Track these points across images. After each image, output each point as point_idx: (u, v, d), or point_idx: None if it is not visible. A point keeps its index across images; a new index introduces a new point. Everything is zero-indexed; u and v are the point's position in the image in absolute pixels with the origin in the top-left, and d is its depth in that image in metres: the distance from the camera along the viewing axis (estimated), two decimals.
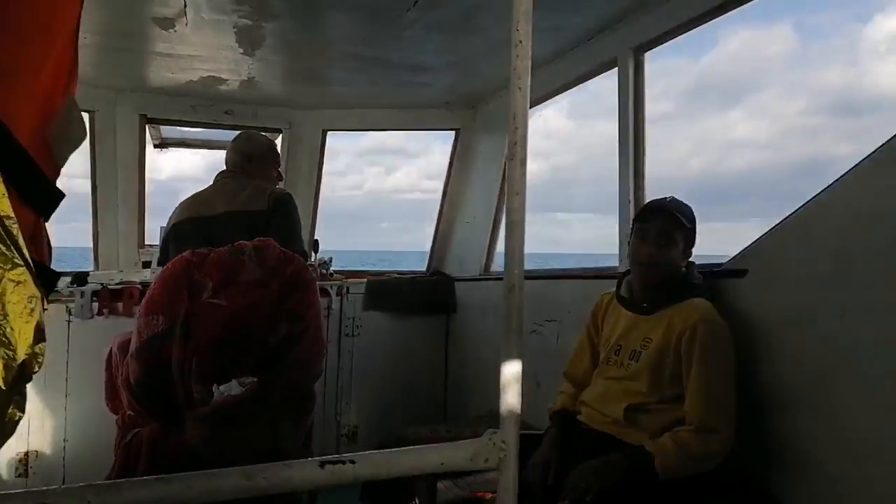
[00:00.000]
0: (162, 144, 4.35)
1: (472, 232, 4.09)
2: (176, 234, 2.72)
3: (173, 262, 2.44)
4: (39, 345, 1.04)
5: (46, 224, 1.23)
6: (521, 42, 1.07)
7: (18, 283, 1.00)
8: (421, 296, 4.19)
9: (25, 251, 1.02)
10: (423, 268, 4.59)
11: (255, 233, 2.51)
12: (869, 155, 1.67)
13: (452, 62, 3.10)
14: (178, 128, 4.15)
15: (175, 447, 2.24)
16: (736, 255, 2.10)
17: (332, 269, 4.24)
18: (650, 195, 2.68)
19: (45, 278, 1.16)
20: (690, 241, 2.08)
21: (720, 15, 2.31)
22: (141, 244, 3.95)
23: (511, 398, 1.11)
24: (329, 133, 4.14)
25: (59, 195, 1.21)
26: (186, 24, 2.59)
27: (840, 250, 1.75)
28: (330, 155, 4.25)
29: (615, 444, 1.96)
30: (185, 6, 2.42)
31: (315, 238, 4.25)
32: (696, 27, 2.42)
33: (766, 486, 1.93)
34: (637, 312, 2.10)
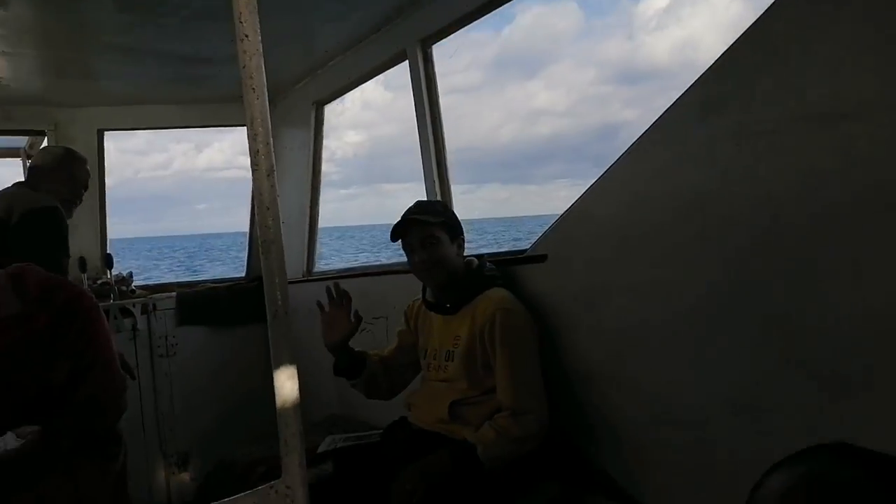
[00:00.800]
0: None
1: (289, 233, 3.86)
2: None
3: None
4: None
5: None
6: (247, 36, 0.93)
7: None
8: (242, 304, 3.89)
9: None
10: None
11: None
12: (635, 141, 1.77)
13: (233, 55, 2.85)
14: None
15: None
16: (535, 243, 2.16)
17: (132, 284, 3.81)
18: (459, 171, 2.69)
19: None
20: (454, 231, 2.12)
21: (503, 4, 2.32)
22: None
23: (291, 438, 0.99)
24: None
25: None
26: None
27: (621, 231, 1.84)
28: (124, 133, 3.82)
29: (442, 441, 1.97)
30: None
31: (108, 252, 3.76)
32: (480, 17, 2.43)
33: (592, 458, 2.01)
34: (443, 314, 2.13)
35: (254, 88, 0.92)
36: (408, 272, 3.06)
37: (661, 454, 1.79)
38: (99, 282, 3.61)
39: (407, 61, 2.73)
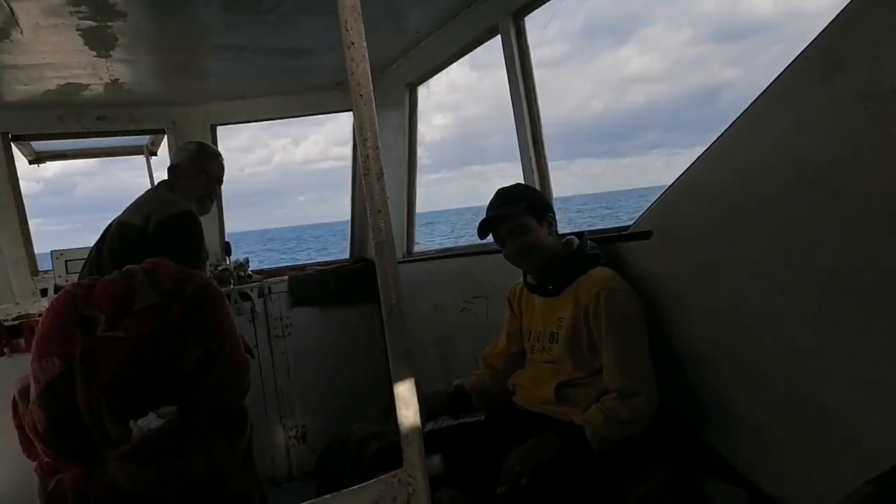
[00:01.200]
0: (37, 160, 4.01)
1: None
2: None
3: (57, 299, 2.26)
4: None
5: None
6: (353, 44, 0.95)
7: None
8: (347, 286, 4.06)
9: None
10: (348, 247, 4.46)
11: (128, 250, 2.41)
12: (748, 108, 1.65)
13: (333, 42, 2.92)
14: (51, 141, 3.81)
15: (103, 490, 2.11)
16: (638, 219, 2.09)
17: (249, 269, 4.06)
18: (556, 146, 2.64)
19: None
20: (540, 211, 2.08)
21: None
22: (34, 271, 3.65)
23: (411, 431, 1.03)
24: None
25: None
26: (22, 33, 2.31)
27: (735, 204, 1.74)
28: (231, 131, 4.04)
29: (549, 423, 1.98)
30: (13, 13, 2.14)
31: (226, 240, 4.03)
32: None
33: (703, 438, 1.95)
34: (546, 296, 2.11)
35: (361, 95, 0.94)
36: None
37: (782, 438, 1.70)
38: (220, 268, 3.88)
39: (498, 36, 2.70)
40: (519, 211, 2.03)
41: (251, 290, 3.88)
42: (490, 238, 2.15)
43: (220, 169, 2.87)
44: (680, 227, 1.94)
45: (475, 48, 3.02)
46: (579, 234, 2.16)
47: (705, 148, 1.81)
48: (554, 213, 2.14)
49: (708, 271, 1.85)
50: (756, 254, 1.70)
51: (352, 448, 3.17)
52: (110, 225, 2.70)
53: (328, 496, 0.94)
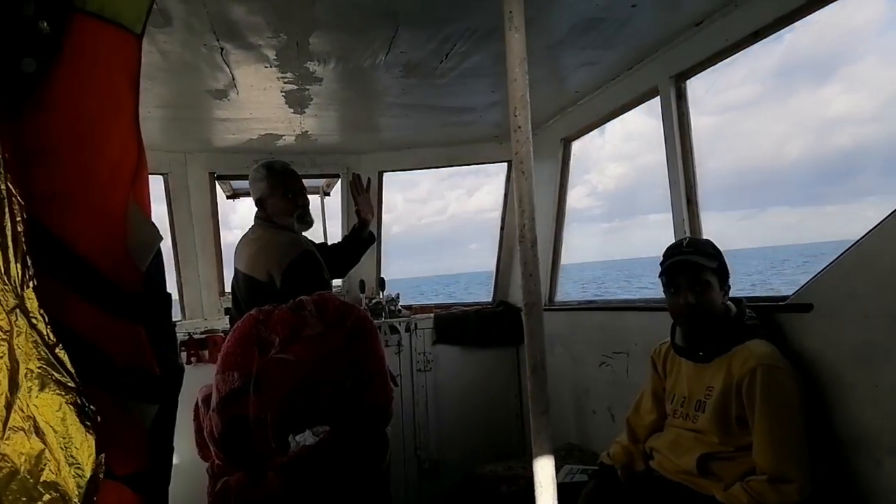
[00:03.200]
0: (234, 196, 4.62)
1: None
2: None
3: (243, 321, 2.58)
4: (101, 455, 1.14)
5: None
6: (520, 128, 1.08)
7: (75, 404, 1.11)
8: (489, 328, 4.20)
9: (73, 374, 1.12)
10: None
11: (263, 301, 2.60)
12: None
13: (494, 101, 3.13)
14: (246, 181, 4.39)
15: (260, 495, 2.38)
16: (799, 289, 2.00)
17: (399, 305, 4.34)
18: (734, 195, 2.55)
19: (155, 386, 1.28)
20: (723, 275, 2.03)
21: (757, 41, 2.22)
22: (221, 292, 4.17)
23: (544, 476, 1.11)
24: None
25: (149, 301, 1.31)
26: (237, 94, 2.76)
27: None
28: (410, 184, 4.34)
29: (686, 494, 1.93)
30: (234, 80, 2.57)
31: (381, 276, 4.35)
32: (733, 54, 2.35)
33: None
34: (695, 361, 2.06)
35: (523, 172, 1.06)
36: (650, 309, 3.03)
37: None
38: (373, 301, 4.20)
39: (657, 98, 2.73)
40: (710, 268, 2.00)
41: (399, 324, 4.15)
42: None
43: (297, 179, 2.88)
44: (846, 301, 1.84)
45: (633, 108, 3.07)
46: (737, 301, 2.09)
47: None
48: (730, 286, 2.08)
49: (874, 352, 1.73)
50: None
51: (483, 487, 3.25)
52: (236, 269, 2.86)
53: None
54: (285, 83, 2.66)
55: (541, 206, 4.00)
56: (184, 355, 3.70)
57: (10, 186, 1.09)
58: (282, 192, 2.82)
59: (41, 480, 1.06)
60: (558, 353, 3.68)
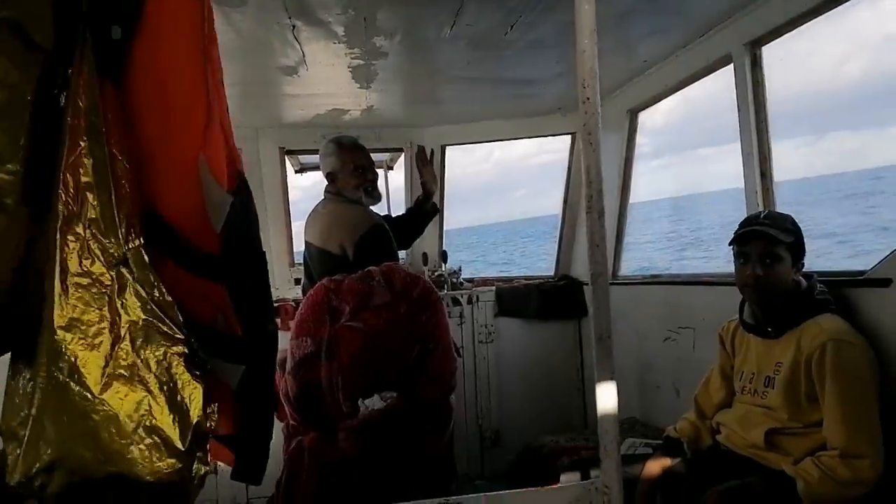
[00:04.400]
0: (301, 170, 4.77)
1: None
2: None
3: (315, 290, 2.70)
4: (211, 406, 1.24)
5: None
6: (588, 99, 1.10)
7: (182, 354, 1.21)
8: (550, 302, 4.20)
9: (182, 327, 1.21)
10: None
11: (335, 273, 2.70)
12: None
13: (559, 72, 3.09)
14: (314, 155, 4.52)
15: (332, 455, 2.52)
16: (877, 264, 1.92)
17: (461, 277, 4.40)
18: (791, 122, 2.42)
19: (236, 346, 1.35)
20: (798, 251, 1.97)
21: (837, 6, 2.10)
22: (291, 263, 4.34)
23: (609, 444, 1.14)
24: None
25: (227, 261, 1.38)
26: (307, 70, 2.84)
27: None
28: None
29: (754, 468, 1.92)
30: (304, 56, 2.65)
31: (443, 249, 4.41)
32: (812, 19, 2.24)
33: None
34: (764, 337, 2.03)
35: (591, 143, 1.08)
36: (717, 284, 2.97)
37: None
38: (436, 273, 4.27)
39: (730, 66, 2.64)
40: (785, 242, 1.95)
41: (461, 297, 4.21)
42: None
43: (366, 154, 2.98)
44: None
45: (703, 77, 2.98)
46: (808, 276, 2.03)
47: None
48: (804, 263, 2.03)
49: None
50: None
51: (543, 458, 3.30)
52: (307, 243, 2.98)
53: (534, 489, 1.09)
54: (352, 58, 2.72)
55: (605, 178, 3.96)
56: None
57: (114, 150, 1.18)
58: (351, 167, 2.93)
59: (143, 425, 1.17)
60: (621, 327, 3.65)
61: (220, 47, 1.40)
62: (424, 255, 4.26)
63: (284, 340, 2.65)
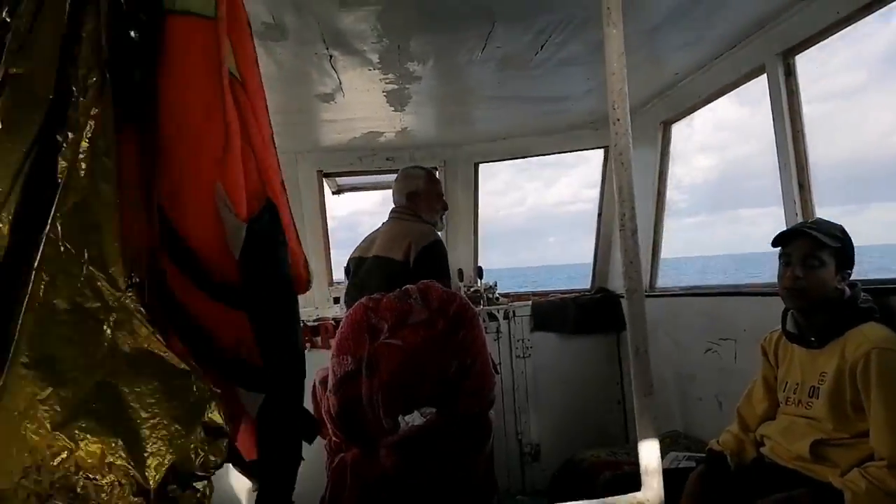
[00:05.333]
0: (339, 191, 4.88)
1: None
2: (347, 268, 3.15)
3: (354, 309, 2.76)
4: (219, 441, 1.20)
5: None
6: (619, 120, 1.13)
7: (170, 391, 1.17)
8: (587, 315, 4.19)
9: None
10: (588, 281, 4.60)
11: (393, 280, 2.75)
12: None
13: (590, 88, 3.13)
14: (350, 177, 4.63)
15: (373, 471, 2.56)
16: None
17: (497, 293, 4.42)
18: (834, 189, 2.44)
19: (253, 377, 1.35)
20: (844, 260, 1.95)
21: (869, 13, 2.10)
22: (330, 282, 4.43)
23: (649, 458, 1.15)
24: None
25: (247, 288, 1.39)
26: (343, 96, 2.94)
27: None
28: (488, 174, 4.40)
29: (801, 480, 1.90)
30: (341, 84, 2.75)
31: (479, 265, 4.45)
32: (845, 27, 2.23)
33: None
34: (807, 347, 2.01)
35: (622, 163, 1.11)
36: (758, 294, 2.94)
37: None
38: (472, 289, 4.31)
39: (764, 76, 2.63)
40: (830, 247, 1.94)
41: (497, 312, 4.23)
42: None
43: (441, 185, 3.18)
44: None
45: (736, 88, 2.97)
46: (852, 285, 2.01)
47: None
48: (851, 272, 2.00)
49: None
50: None
51: (583, 472, 3.28)
52: (362, 258, 3.06)
53: (575, 503, 1.12)
54: (387, 83, 2.81)
55: (639, 191, 3.95)
56: None
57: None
58: (436, 192, 3.11)
59: (106, 462, 1.10)
60: (661, 339, 3.63)
61: (260, 78, 1.44)
62: (460, 271, 4.30)
63: (326, 359, 2.73)
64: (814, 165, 2.54)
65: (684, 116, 3.47)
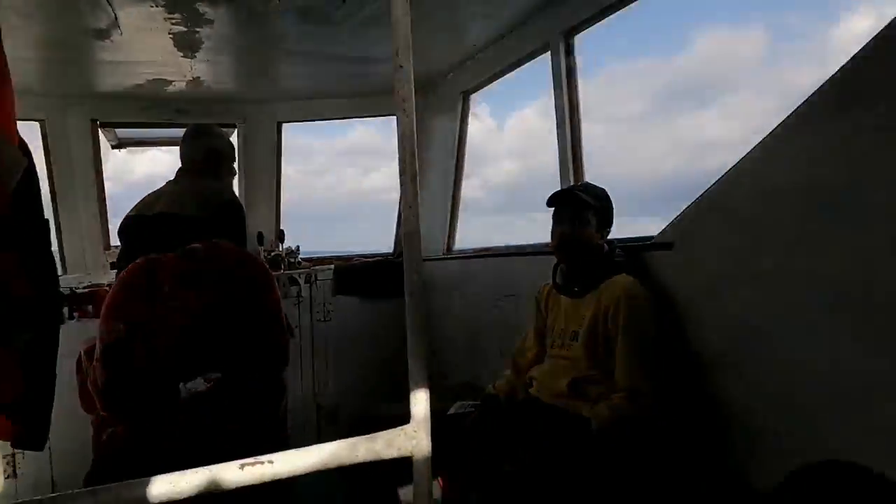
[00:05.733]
0: (119, 145, 4.38)
1: (432, 212, 4.18)
2: (121, 230, 2.78)
3: (129, 269, 2.50)
4: None
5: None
6: (401, 66, 1.16)
7: None
8: (388, 278, 4.28)
9: None
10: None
11: (181, 239, 2.54)
12: (773, 130, 1.77)
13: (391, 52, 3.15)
14: (133, 129, 4.18)
15: (150, 444, 2.36)
16: (664, 229, 2.22)
17: (299, 257, 4.33)
18: (617, 202, 2.74)
19: None
20: (604, 218, 2.22)
21: None
22: (107, 245, 3.99)
23: (419, 393, 1.21)
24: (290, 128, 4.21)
25: (18, 224, 1.26)
26: (121, 34, 2.62)
27: (751, 222, 1.86)
28: (305, 153, 4.27)
29: (559, 414, 2.12)
30: (116, 18, 2.45)
31: (281, 228, 4.32)
32: (621, 9, 2.48)
33: (706, 442, 2.07)
34: (571, 296, 2.25)
35: (405, 110, 1.14)
36: (538, 254, 3.23)
37: (776, 442, 1.80)
38: (272, 253, 4.17)
39: (548, 53, 2.85)
40: (593, 206, 2.18)
41: (299, 276, 4.15)
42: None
43: None
44: (699, 240, 2.07)
45: (527, 62, 3.18)
46: (609, 242, 2.30)
47: None
48: (610, 230, 2.28)
49: (722, 284, 1.97)
50: (767, 270, 1.81)
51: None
52: (142, 217, 2.72)
53: (348, 440, 1.15)
54: (173, 24, 2.56)
55: (439, 159, 4.12)
56: (66, 311, 3.52)
57: None
58: (234, 157, 2.84)
59: None
60: (455, 300, 3.84)
61: (17, 5, 1.28)
62: (260, 234, 4.13)
63: (96, 329, 2.46)
64: (596, 179, 2.84)
65: (483, 87, 3.66)
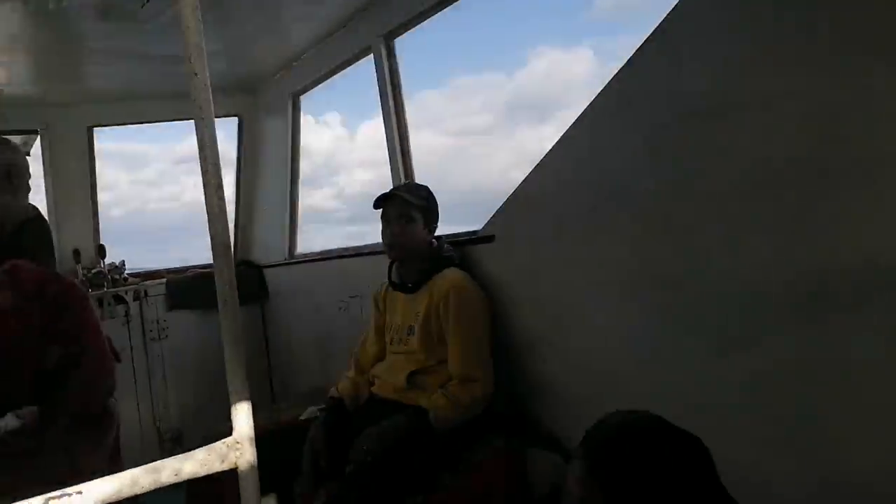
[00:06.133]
0: None
1: (272, 218, 4.08)
2: None
3: None
4: None
5: None
6: (196, 74, 1.13)
7: None
8: None
9: None
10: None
11: None
12: (568, 129, 1.96)
13: (216, 50, 3.03)
14: None
15: None
16: (486, 223, 2.36)
17: (126, 273, 4.02)
18: (466, 212, 2.83)
19: None
20: (430, 216, 2.33)
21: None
22: None
23: (240, 402, 1.19)
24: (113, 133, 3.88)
25: None
26: None
27: (557, 212, 2.05)
28: (140, 161, 3.95)
29: (400, 408, 2.18)
30: None
31: (101, 243, 3.96)
32: (440, 11, 2.56)
33: (531, 413, 2.25)
34: (406, 293, 2.33)
35: (203, 118, 1.12)
36: (378, 253, 3.29)
37: (586, 408, 2.00)
38: (93, 271, 3.82)
39: (371, 55, 2.91)
40: (417, 205, 2.26)
41: (126, 294, 3.85)
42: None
43: None
44: (516, 231, 2.24)
45: (352, 64, 3.21)
46: (437, 238, 2.41)
47: None
48: (436, 226, 2.37)
49: (536, 270, 2.16)
50: (572, 255, 2.01)
51: None
52: None
53: (165, 460, 1.11)
54: None
55: (272, 162, 4.02)
56: None
57: None
58: (27, 166, 2.51)
59: None
60: (301, 303, 3.79)
61: None
62: (76, 251, 3.77)
63: None
64: (450, 190, 2.92)
65: (311, 89, 3.63)
